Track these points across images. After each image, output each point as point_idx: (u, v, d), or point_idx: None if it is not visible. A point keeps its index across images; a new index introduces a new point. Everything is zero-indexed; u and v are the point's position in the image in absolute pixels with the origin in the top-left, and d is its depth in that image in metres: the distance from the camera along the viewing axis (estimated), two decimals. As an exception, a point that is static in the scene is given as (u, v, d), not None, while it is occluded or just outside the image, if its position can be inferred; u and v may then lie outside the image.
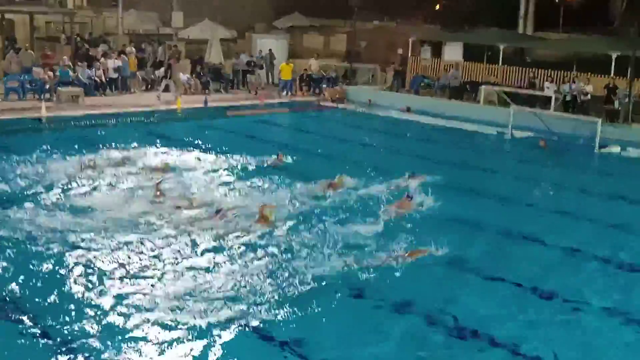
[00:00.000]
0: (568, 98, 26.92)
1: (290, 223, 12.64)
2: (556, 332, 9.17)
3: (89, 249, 11.11)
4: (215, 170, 16.72)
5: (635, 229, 13.79)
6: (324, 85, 31.98)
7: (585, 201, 15.98)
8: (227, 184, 15.51)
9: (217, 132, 22.62)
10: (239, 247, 11.50)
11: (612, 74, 27.01)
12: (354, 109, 29.14)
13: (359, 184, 15.53)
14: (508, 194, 16.25)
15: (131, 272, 10.36)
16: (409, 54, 34.09)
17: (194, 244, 11.54)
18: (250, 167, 17.24)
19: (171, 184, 15.09)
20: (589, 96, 26.49)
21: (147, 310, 9.14)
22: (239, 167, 17.23)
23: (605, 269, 11.69)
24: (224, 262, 10.88)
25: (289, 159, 17.96)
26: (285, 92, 30.85)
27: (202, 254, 11.22)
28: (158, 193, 14.07)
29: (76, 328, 8.59)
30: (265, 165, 17.42)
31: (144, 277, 10.21)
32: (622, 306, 10.01)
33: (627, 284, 11.05)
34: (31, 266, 10.37)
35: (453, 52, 35.10)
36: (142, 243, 11.47)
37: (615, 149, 21.86)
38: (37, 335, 8.45)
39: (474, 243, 12.36)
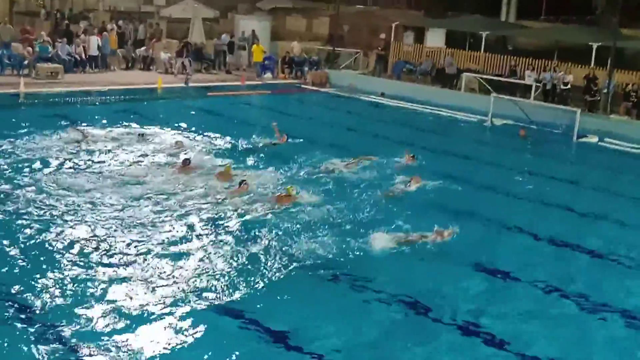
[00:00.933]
0: (548, 87, 27.09)
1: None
2: (531, 322, 9.27)
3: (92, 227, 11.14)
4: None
5: (609, 218, 13.93)
6: (306, 69, 31.88)
7: (559, 190, 16.12)
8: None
9: (198, 113, 22.46)
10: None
11: (592, 64, 27.19)
12: (336, 92, 29.10)
13: (336, 168, 15.67)
14: (482, 180, 16.31)
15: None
16: (392, 39, 34.05)
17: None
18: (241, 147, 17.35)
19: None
20: (569, 86, 26.67)
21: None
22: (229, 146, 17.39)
23: (576, 256, 11.84)
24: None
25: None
26: (263, 74, 30.73)
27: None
28: (181, 167, 14.53)
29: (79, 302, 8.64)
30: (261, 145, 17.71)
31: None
32: (591, 293, 10.15)
33: (596, 272, 11.24)
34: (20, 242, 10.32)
35: (435, 38, 35.16)
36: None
37: (593, 139, 22.06)
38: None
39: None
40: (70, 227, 11.07)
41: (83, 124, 18.45)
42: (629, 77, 26.06)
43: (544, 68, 28.27)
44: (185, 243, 10.86)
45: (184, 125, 19.54)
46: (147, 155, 15.89)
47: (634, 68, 27.06)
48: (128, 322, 8.31)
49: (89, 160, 15.09)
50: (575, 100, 26.16)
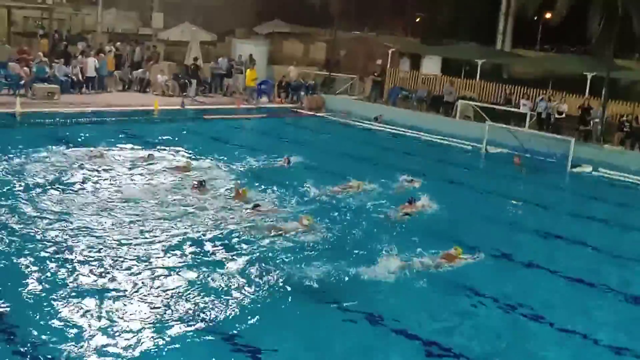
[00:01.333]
0: (543, 116, 27.24)
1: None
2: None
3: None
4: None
5: (600, 248, 13.96)
6: (302, 93, 32.01)
7: (553, 219, 16.16)
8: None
9: (194, 135, 22.44)
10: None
11: (587, 94, 27.39)
12: (332, 118, 29.21)
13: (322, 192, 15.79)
14: (476, 208, 16.35)
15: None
16: (388, 65, 34.28)
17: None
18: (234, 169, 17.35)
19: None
20: (563, 115, 26.84)
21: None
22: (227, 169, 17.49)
23: (563, 284, 11.86)
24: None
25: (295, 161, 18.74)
26: (254, 99, 30.77)
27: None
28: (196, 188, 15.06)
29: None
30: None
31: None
32: (581, 323, 10.20)
33: (578, 296, 11.32)
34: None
35: (431, 65, 35.42)
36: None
37: (587, 169, 22.15)
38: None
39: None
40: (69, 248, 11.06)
41: (78, 145, 18.51)
42: (623, 108, 26.25)
43: (539, 97, 28.41)
44: (196, 262, 11.02)
45: (182, 147, 19.59)
46: (157, 176, 16.13)
47: (627, 98, 27.28)
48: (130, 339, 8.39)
49: (95, 179, 15.24)
50: (569, 130, 26.30)
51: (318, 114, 29.63)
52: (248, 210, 13.73)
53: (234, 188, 15.09)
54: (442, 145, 25.24)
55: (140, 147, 19.02)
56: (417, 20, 54.34)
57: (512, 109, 27.81)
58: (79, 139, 19.49)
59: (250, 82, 30.60)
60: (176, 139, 20.97)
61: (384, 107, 30.83)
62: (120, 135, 20.65)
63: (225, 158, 18.58)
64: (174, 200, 14.28)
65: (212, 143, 21.19)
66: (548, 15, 42.24)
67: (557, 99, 27.48)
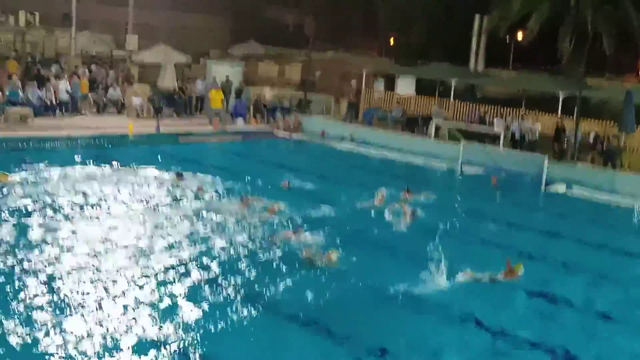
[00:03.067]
0: (517, 135, 27.49)
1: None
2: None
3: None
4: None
5: (578, 267, 14.05)
6: (278, 114, 32.01)
7: (527, 239, 16.27)
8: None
9: (170, 158, 22.31)
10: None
11: (559, 113, 27.72)
12: (308, 139, 29.24)
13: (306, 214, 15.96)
14: (451, 228, 16.38)
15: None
16: (363, 86, 34.44)
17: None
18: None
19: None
20: (537, 134, 27.11)
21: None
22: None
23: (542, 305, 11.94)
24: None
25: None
26: (234, 120, 30.72)
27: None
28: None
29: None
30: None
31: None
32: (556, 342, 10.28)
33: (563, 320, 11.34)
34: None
35: (406, 85, 35.64)
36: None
37: (561, 188, 22.35)
38: None
39: (416, 275, 12.49)
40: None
41: (51, 167, 18.43)
42: (595, 126, 26.57)
43: (512, 117, 28.68)
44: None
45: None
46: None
47: (599, 117, 27.64)
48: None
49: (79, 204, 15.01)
50: (543, 148, 26.56)
51: (294, 135, 29.63)
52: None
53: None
54: (418, 164, 25.33)
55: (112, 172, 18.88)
56: (391, 41, 54.82)
57: (486, 129, 28.02)
58: (52, 162, 19.28)
59: (217, 104, 30.32)
60: (150, 161, 20.85)
61: (360, 128, 30.90)
62: (94, 159, 20.46)
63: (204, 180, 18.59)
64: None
65: (187, 165, 21.05)
66: (520, 36, 42.84)
67: (530, 118, 27.73)
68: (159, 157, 21.99)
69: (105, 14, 50.56)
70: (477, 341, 10.23)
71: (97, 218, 14.59)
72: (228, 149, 26.47)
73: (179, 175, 18.63)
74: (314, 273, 12.26)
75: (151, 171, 19.55)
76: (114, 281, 11.12)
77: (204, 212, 15.56)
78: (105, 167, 19.62)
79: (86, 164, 19.55)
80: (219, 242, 13.50)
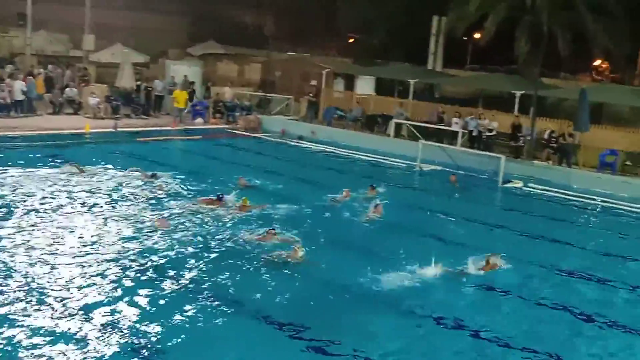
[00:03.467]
0: (474, 134, 27.82)
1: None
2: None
3: None
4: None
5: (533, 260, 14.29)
6: (238, 114, 31.91)
7: (482, 234, 16.49)
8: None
9: (126, 157, 22.04)
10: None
11: (516, 112, 28.13)
12: (267, 137, 29.21)
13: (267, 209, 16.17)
14: (410, 224, 16.62)
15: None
16: (323, 86, 34.52)
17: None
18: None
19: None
20: (494, 132, 27.48)
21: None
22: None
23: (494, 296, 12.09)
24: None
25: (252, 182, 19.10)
26: (194, 119, 30.61)
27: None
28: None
29: None
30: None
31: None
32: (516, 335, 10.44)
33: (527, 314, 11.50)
34: None
35: (365, 85, 35.87)
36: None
37: (518, 184, 22.71)
38: None
39: (375, 269, 12.62)
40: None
41: (6, 168, 18.04)
42: (550, 124, 27.02)
43: (470, 116, 28.98)
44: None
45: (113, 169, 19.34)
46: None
47: (554, 115, 28.14)
48: None
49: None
50: (500, 147, 26.97)
51: (254, 135, 29.56)
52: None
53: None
54: (378, 163, 25.49)
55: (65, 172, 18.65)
56: (351, 41, 55.03)
57: (444, 127, 28.35)
58: (6, 163, 18.94)
59: (181, 103, 30.18)
60: (108, 161, 20.61)
61: (320, 127, 30.98)
62: (49, 159, 20.14)
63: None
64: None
65: (147, 165, 20.83)
66: (477, 36, 43.35)
67: (487, 117, 28.09)
68: (115, 156, 21.74)
69: (61, 13, 49.69)
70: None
71: (51, 217, 14.33)
72: (187, 148, 26.29)
73: (154, 175, 18.54)
74: (280, 271, 12.23)
75: (107, 170, 19.31)
76: (71, 284, 10.96)
77: (167, 211, 15.46)
78: (59, 166, 19.31)
79: (41, 164, 19.20)
80: (179, 240, 13.40)
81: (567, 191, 22.29)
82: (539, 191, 22.27)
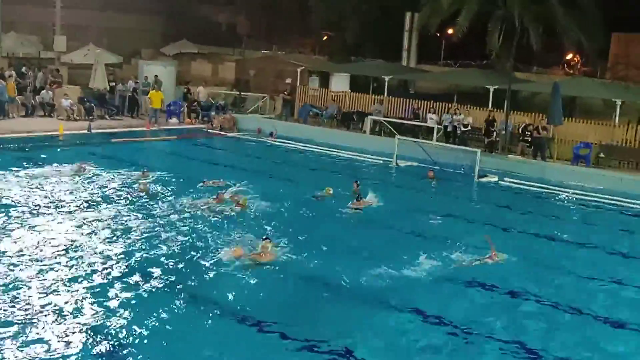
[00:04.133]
0: (449, 129, 27.97)
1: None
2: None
3: None
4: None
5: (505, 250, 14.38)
6: (213, 113, 31.76)
7: (457, 227, 16.58)
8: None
9: (101, 159, 21.82)
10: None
11: (490, 106, 28.32)
12: (243, 136, 29.13)
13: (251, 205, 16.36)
14: (389, 220, 16.65)
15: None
16: (298, 84, 34.49)
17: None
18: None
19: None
20: (469, 127, 27.64)
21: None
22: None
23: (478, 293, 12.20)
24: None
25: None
26: (168, 119, 30.46)
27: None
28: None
29: None
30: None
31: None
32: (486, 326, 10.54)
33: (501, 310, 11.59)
34: None
35: (340, 82, 35.90)
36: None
37: (494, 179, 22.87)
38: None
39: (355, 265, 12.69)
40: None
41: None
42: (524, 118, 27.23)
43: (444, 111, 29.13)
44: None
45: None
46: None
47: (528, 109, 28.38)
48: None
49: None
50: (475, 141, 27.13)
51: (229, 134, 29.45)
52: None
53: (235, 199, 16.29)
54: (355, 160, 25.52)
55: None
56: (325, 39, 55.06)
57: (419, 123, 28.47)
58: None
59: (157, 104, 29.96)
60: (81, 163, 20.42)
61: (295, 125, 30.97)
62: (23, 162, 19.93)
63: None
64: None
65: (123, 166, 20.67)
66: (450, 31, 43.60)
67: (462, 112, 28.24)
68: (91, 157, 21.53)
69: (31, 14, 49.24)
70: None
71: (29, 219, 14.21)
72: (162, 149, 26.13)
73: (144, 172, 19.12)
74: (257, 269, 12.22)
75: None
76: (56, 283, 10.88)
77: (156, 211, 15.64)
78: (33, 168, 19.18)
79: (15, 167, 19.02)
80: (158, 239, 13.39)
81: (542, 184, 22.48)
82: (514, 185, 22.42)
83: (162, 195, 17.27)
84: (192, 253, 12.91)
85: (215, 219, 15.33)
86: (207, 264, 12.34)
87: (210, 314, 10.29)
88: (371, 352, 9.44)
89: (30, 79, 31.71)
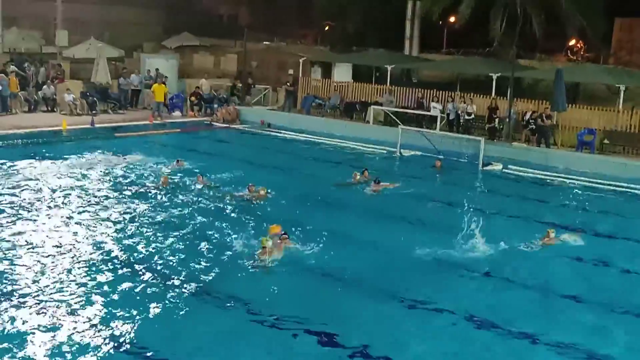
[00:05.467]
0: (452, 117, 27.89)
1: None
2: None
3: None
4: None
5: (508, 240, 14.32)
6: (216, 106, 31.72)
7: (461, 215, 16.53)
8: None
9: (104, 154, 21.82)
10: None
11: (493, 94, 28.24)
12: (246, 128, 29.10)
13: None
14: (395, 211, 16.63)
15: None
16: (300, 75, 34.43)
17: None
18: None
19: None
20: (472, 115, 27.57)
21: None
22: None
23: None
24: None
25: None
26: (171, 112, 30.45)
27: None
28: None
29: None
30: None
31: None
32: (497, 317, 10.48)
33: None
34: None
35: (343, 72, 35.84)
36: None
37: (498, 167, 22.81)
38: None
39: (364, 257, 12.73)
40: None
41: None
42: (528, 106, 27.16)
43: (448, 99, 29.03)
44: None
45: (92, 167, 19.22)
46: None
47: (531, 96, 28.28)
48: None
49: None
50: (478, 129, 27.07)
51: (232, 126, 29.42)
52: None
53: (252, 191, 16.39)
54: (358, 150, 25.47)
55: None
56: (327, 29, 54.92)
57: (420, 112, 28.41)
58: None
59: (160, 97, 29.94)
60: (87, 157, 20.50)
61: (298, 116, 30.95)
62: (28, 158, 19.95)
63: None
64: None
65: (126, 160, 20.68)
66: (452, 19, 43.46)
67: (465, 100, 28.14)
68: (94, 151, 21.57)
69: (32, 9, 49.12)
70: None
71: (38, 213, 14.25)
72: (166, 142, 26.09)
73: (179, 161, 19.83)
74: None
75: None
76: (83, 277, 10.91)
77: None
78: (38, 163, 19.25)
79: (19, 163, 19.06)
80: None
81: (547, 172, 22.43)
82: (518, 173, 22.36)
83: (183, 188, 17.35)
84: (208, 246, 12.87)
85: (236, 209, 15.43)
86: (224, 259, 12.27)
87: (227, 309, 10.27)
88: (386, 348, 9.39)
89: (32, 73, 31.72)
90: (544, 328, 10.09)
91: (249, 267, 11.89)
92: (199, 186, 17.43)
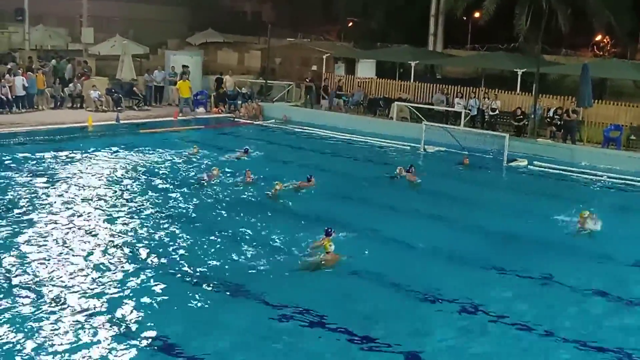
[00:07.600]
0: (473, 113, 27.69)
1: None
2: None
3: None
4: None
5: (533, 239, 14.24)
6: (239, 102, 31.82)
7: (488, 214, 16.46)
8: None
9: (130, 150, 21.96)
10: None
11: (518, 90, 28.01)
12: (269, 125, 29.15)
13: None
14: (423, 207, 16.58)
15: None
16: (323, 71, 34.41)
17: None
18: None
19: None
20: (497, 111, 27.38)
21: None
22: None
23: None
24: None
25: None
26: (191, 110, 30.58)
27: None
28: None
29: None
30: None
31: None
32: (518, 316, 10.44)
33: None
34: None
35: (366, 68, 35.72)
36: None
37: (523, 163, 22.64)
38: None
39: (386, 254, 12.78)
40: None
41: (10, 165, 18.18)
42: (552, 102, 26.91)
43: (474, 94, 28.78)
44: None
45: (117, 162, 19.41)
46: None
47: (557, 92, 28.01)
48: None
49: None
50: (503, 125, 26.88)
51: (256, 122, 29.49)
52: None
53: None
54: (382, 146, 25.40)
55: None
56: (350, 25, 54.80)
57: (444, 108, 28.25)
58: (8, 159, 19.08)
59: (185, 93, 30.14)
60: (113, 153, 20.69)
61: (320, 112, 30.91)
62: (54, 154, 20.18)
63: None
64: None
65: (144, 157, 20.81)
66: (477, 15, 43.15)
67: (490, 96, 27.93)
68: (119, 148, 21.76)
69: (59, 7, 49.67)
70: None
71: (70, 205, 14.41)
72: (190, 138, 26.19)
73: (246, 151, 21.13)
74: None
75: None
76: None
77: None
78: (63, 157, 19.57)
79: (47, 157, 19.36)
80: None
81: (573, 168, 22.22)
82: (543, 169, 22.18)
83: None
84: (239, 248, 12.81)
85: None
86: (262, 261, 12.11)
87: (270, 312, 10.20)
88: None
89: (50, 70, 31.94)
90: (584, 328, 10.10)
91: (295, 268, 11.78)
92: (247, 179, 17.64)
